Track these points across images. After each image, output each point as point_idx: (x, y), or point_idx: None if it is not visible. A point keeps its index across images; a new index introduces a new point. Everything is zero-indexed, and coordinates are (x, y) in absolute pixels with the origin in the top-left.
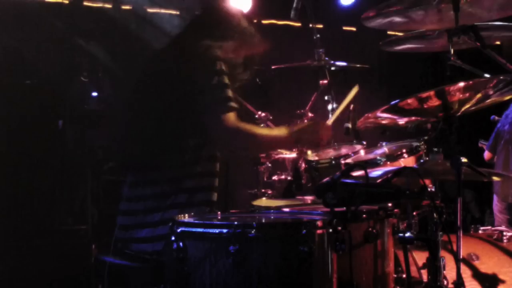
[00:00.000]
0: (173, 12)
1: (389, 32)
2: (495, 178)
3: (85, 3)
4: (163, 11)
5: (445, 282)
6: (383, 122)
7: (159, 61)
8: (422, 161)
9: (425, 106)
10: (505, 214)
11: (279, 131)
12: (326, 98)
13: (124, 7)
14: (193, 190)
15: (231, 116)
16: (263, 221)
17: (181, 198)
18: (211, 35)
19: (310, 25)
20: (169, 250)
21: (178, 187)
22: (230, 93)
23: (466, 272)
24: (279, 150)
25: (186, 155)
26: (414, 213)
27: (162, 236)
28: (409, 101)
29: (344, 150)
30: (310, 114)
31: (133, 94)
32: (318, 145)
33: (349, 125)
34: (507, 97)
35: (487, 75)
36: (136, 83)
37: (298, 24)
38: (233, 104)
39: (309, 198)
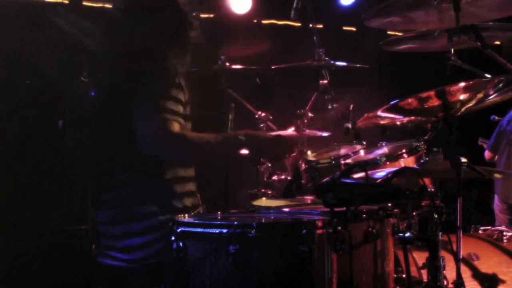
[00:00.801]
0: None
1: (389, 32)
2: (496, 175)
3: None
4: None
5: (445, 282)
6: (383, 122)
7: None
8: (422, 161)
9: (425, 106)
10: (506, 214)
11: (222, 136)
12: (326, 98)
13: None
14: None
15: (164, 123)
16: (263, 221)
17: (159, 204)
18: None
19: (310, 25)
20: (169, 250)
21: (151, 195)
22: (174, 106)
23: (466, 272)
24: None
25: (151, 162)
26: (414, 213)
27: (141, 245)
28: (409, 101)
29: (344, 150)
30: (310, 114)
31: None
32: (278, 158)
33: (349, 125)
34: (507, 97)
35: (487, 75)
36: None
37: (298, 24)
38: (168, 116)
39: (309, 198)
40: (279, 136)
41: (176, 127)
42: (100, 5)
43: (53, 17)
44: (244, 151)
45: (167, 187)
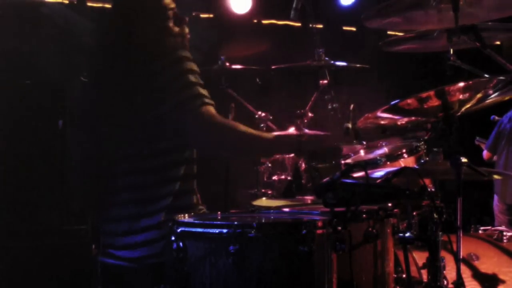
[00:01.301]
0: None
1: (389, 32)
2: (495, 177)
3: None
4: None
5: (445, 282)
6: (383, 122)
7: (110, 60)
8: (422, 161)
9: (425, 106)
10: (505, 214)
11: (266, 134)
12: (326, 98)
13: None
14: (171, 195)
15: (208, 110)
16: (263, 221)
17: (163, 203)
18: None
19: (310, 25)
20: (169, 250)
21: (155, 193)
22: (201, 90)
23: (466, 272)
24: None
25: (158, 160)
26: (414, 213)
27: (142, 243)
28: (409, 101)
29: (344, 150)
30: (310, 114)
31: (95, 98)
32: (324, 162)
33: (349, 125)
34: (507, 97)
35: (487, 75)
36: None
37: (298, 24)
38: (208, 100)
39: (309, 198)
40: (323, 134)
41: (216, 114)
42: (100, 5)
43: (51, 14)
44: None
45: (172, 185)
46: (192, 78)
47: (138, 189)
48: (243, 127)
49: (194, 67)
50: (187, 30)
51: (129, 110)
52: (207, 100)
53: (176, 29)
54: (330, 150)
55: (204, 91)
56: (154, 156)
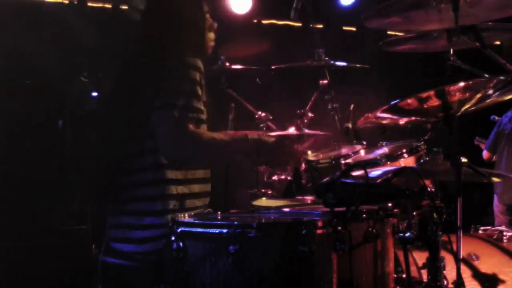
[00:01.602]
0: None
1: (389, 32)
2: (495, 179)
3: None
4: None
5: (445, 282)
6: (383, 122)
7: (128, 61)
8: (422, 161)
9: (425, 106)
10: (505, 215)
11: (234, 138)
12: (326, 98)
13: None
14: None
15: (179, 125)
16: (263, 221)
17: (136, 206)
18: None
19: (310, 25)
20: (169, 250)
21: (133, 195)
22: (196, 103)
23: (466, 272)
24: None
25: (146, 160)
26: (414, 213)
27: (152, 238)
28: (409, 101)
29: (344, 150)
30: (310, 114)
31: (106, 96)
32: (285, 164)
33: (349, 125)
34: (507, 97)
35: (487, 75)
36: (109, 85)
37: (298, 24)
38: (192, 115)
39: (309, 198)
40: (282, 142)
41: (191, 126)
42: (100, 5)
43: (67, 17)
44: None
45: (180, 185)
46: (187, 87)
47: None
48: (208, 143)
49: (197, 77)
50: (213, 36)
51: (135, 104)
52: (191, 115)
53: (211, 35)
54: (286, 156)
55: (196, 104)
56: (143, 155)
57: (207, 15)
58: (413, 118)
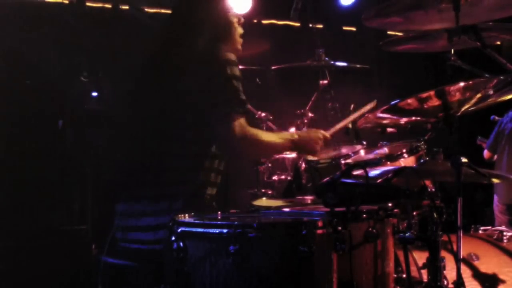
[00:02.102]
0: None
1: (389, 32)
2: (495, 180)
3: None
4: (163, 11)
5: (445, 282)
6: (383, 122)
7: (159, 63)
8: (422, 161)
9: (425, 106)
10: (505, 215)
11: (282, 139)
12: (326, 98)
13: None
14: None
15: (240, 123)
16: (263, 221)
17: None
18: (212, 35)
19: (310, 25)
20: (169, 250)
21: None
22: (243, 96)
23: (466, 272)
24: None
25: (188, 159)
26: (414, 213)
27: (165, 225)
28: (409, 101)
29: (344, 150)
30: (310, 114)
31: (134, 96)
32: (314, 154)
33: (349, 125)
34: (507, 97)
35: (487, 75)
36: (136, 85)
37: (298, 24)
38: (243, 109)
39: (309, 198)
40: (318, 132)
41: (246, 124)
42: (100, 5)
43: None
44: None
45: (198, 181)
46: (235, 83)
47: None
48: (266, 140)
49: (237, 72)
50: (241, 31)
51: (180, 109)
52: (242, 109)
53: (240, 30)
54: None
55: (243, 97)
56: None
57: (232, 12)
58: (413, 118)
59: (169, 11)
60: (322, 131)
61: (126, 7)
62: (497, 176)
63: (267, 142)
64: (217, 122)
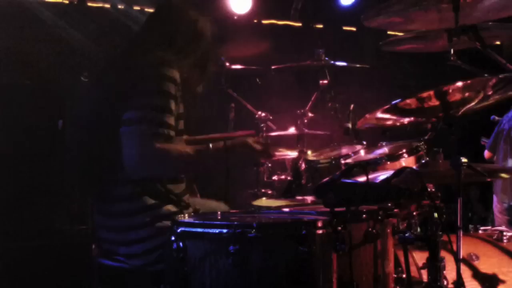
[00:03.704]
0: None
1: (389, 32)
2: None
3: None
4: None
5: (445, 282)
6: (383, 122)
7: (110, 69)
8: (422, 161)
9: (425, 106)
10: (504, 214)
11: (199, 147)
12: (326, 98)
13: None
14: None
15: (150, 144)
16: (263, 221)
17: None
18: (172, 47)
19: (310, 25)
20: (169, 250)
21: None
22: (167, 118)
23: (466, 272)
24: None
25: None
26: (414, 213)
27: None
28: (409, 101)
29: (344, 150)
30: (310, 114)
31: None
32: (257, 162)
33: (349, 125)
34: (507, 97)
35: (487, 75)
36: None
37: (298, 24)
38: (162, 131)
39: (309, 198)
40: (247, 137)
41: (158, 143)
42: (100, 5)
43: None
44: None
45: (165, 194)
46: (159, 101)
47: (133, 199)
48: (175, 158)
49: (172, 90)
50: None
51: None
52: (161, 131)
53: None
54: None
55: (167, 119)
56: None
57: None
58: (413, 118)
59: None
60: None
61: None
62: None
63: (178, 157)
64: (123, 136)
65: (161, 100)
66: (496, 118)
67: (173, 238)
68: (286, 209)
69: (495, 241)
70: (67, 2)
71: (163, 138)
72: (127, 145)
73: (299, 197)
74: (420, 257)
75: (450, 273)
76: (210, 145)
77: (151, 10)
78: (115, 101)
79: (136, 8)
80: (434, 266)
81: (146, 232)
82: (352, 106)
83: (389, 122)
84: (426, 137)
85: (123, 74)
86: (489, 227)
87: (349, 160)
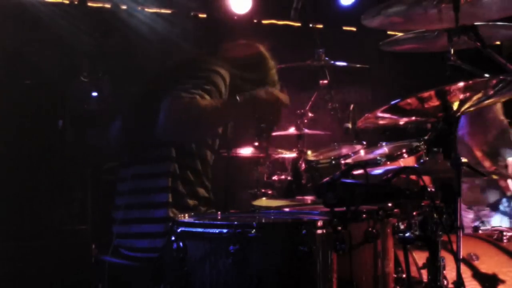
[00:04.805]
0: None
1: (389, 32)
2: (494, 177)
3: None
4: (163, 11)
5: (445, 282)
6: (383, 122)
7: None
8: (422, 161)
9: (425, 106)
10: (468, 215)
11: (220, 101)
12: (326, 98)
13: (123, 7)
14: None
15: (183, 101)
16: (263, 221)
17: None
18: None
19: (310, 25)
20: (169, 250)
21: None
22: (202, 94)
23: (466, 272)
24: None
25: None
26: (414, 213)
27: (159, 234)
28: (409, 101)
29: (344, 150)
30: (310, 114)
31: (135, 96)
32: (278, 119)
33: (349, 125)
34: (507, 97)
35: (487, 75)
36: (141, 87)
37: (298, 24)
38: (195, 95)
39: (309, 198)
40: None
41: (187, 98)
42: (100, 5)
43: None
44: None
45: (180, 190)
46: (206, 85)
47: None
48: (205, 107)
49: (220, 84)
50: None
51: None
52: (191, 94)
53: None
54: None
55: (205, 97)
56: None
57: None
58: (413, 118)
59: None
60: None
61: (126, 7)
62: (495, 173)
63: (207, 105)
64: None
65: (204, 84)
66: None
67: (173, 238)
68: (286, 209)
69: (495, 241)
70: (67, 2)
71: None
72: (161, 110)
73: (299, 197)
74: (420, 257)
75: (450, 273)
76: (238, 97)
77: (151, 10)
78: (166, 86)
79: (137, 8)
80: (434, 266)
81: (163, 227)
82: (352, 106)
83: (389, 122)
84: (426, 137)
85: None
86: (489, 227)
87: (349, 160)
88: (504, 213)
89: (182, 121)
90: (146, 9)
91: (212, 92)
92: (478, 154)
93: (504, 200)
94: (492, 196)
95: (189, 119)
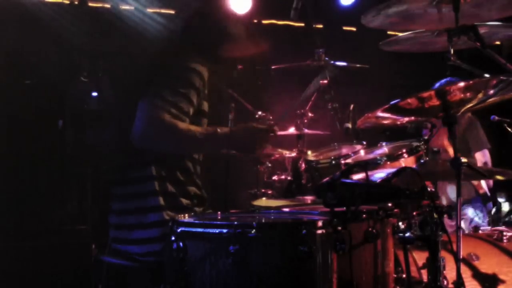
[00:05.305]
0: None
1: (389, 32)
2: (498, 177)
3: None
4: (163, 11)
5: (445, 282)
6: (383, 122)
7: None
8: (422, 161)
9: (425, 106)
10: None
11: (205, 131)
12: (326, 98)
13: (123, 7)
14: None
15: (160, 116)
16: (263, 221)
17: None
18: (201, 49)
19: (311, 25)
20: (169, 250)
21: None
22: (183, 104)
23: (466, 272)
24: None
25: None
26: (414, 213)
27: (156, 238)
28: (409, 101)
29: (344, 150)
30: (310, 114)
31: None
32: (254, 152)
33: (349, 125)
34: (507, 97)
35: (487, 75)
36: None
37: (298, 24)
38: (176, 112)
39: (309, 198)
40: (252, 127)
41: (167, 117)
42: (100, 5)
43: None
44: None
45: (170, 192)
46: (180, 87)
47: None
48: (182, 132)
49: (196, 82)
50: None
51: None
52: (173, 111)
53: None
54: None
55: (183, 106)
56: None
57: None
58: (413, 118)
59: (169, 11)
60: (262, 125)
61: (126, 7)
62: (497, 173)
63: (185, 132)
64: (138, 108)
65: (182, 87)
66: (496, 118)
67: (173, 238)
68: (286, 209)
69: (495, 241)
70: (67, 2)
71: (173, 116)
72: (137, 116)
73: (299, 197)
74: (420, 257)
75: (450, 273)
76: (218, 129)
77: (151, 10)
78: (139, 87)
79: (137, 8)
80: (434, 266)
81: (159, 216)
82: (352, 106)
83: (389, 122)
84: (426, 137)
85: (152, 64)
86: (489, 227)
87: (349, 160)
88: (477, 210)
89: (159, 140)
90: (147, 9)
91: (191, 96)
92: (447, 144)
93: (477, 198)
94: (466, 194)
95: (166, 141)
